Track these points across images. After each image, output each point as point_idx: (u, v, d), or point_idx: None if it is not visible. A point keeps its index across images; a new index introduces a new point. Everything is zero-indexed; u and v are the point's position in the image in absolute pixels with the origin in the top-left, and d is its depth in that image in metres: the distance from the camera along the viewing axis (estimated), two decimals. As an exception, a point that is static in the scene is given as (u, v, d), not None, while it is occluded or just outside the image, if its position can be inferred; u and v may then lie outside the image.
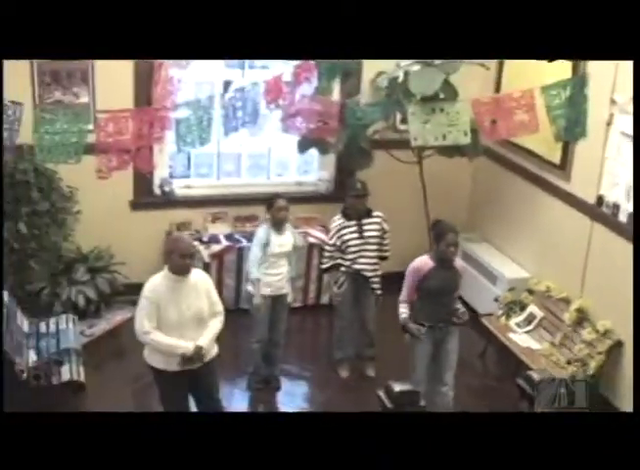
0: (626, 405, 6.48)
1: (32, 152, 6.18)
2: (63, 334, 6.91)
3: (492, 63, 8.00)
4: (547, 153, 7.57)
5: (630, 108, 6.21)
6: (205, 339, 5.57)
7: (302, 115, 6.98)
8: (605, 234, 6.84)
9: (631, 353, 6.43)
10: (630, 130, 6.32)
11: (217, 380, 5.92)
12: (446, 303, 6.18)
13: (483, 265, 8.28)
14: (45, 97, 7.45)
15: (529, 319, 7.47)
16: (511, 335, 7.38)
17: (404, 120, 7.09)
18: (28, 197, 7.20)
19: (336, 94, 8.08)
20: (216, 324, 5.68)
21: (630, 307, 5.63)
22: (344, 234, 6.98)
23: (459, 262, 6.36)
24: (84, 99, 7.54)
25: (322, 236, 8.11)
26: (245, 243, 8.04)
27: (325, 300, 8.43)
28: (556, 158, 7.48)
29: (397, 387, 5.29)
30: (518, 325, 7.47)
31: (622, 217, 6.63)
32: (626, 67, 5.98)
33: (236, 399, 6.94)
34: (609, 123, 6.70)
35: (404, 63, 7.27)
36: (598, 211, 6.91)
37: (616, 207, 6.69)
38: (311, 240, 8.27)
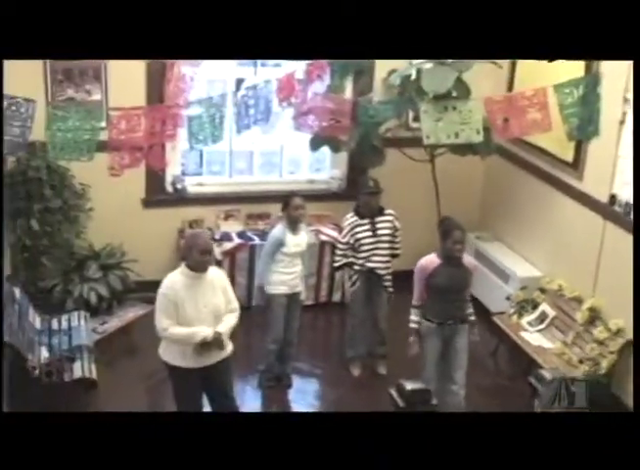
0: (638, 405, 6.46)
1: (45, 149, 6.22)
2: (75, 331, 6.92)
3: (505, 61, 7.96)
4: (560, 151, 7.53)
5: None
6: (224, 327, 5.56)
7: (315, 112, 6.95)
8: (617, 233, 6.80)
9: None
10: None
11: (232, 378, 5.91)
12: (455, 300, 6.18)
13: (495, 264, 8.25)
14: (58, 94, 7.46)
15: (541, 318, 7.45)
16: (523, 334, 7.36)
17: (417, 118, 7.11)
18: (41, 194, 7.23)
19: (348, 92, 8.05)
20: (232, 318, 5.67)
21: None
22: (358, 232, 6.98)
23: (469, 260, 6.35)
24: (97, 96, 7.55)
25: (334, 234, 8.10)
26: (257, 241, 8.05)
27: (337, 297, 8.44)
28: (569, 156, 7.45)
29: (409, 385, 5.31)
30: (530, 324, 7.45)
31: (635, 216, 6.61)
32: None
33: (247, 397, 6.93)
34: (622, 122, 6.66)
35: (417, 61, 7.25)
36: (610, 210, 6.88)
37: (628, 205, 6.65)
38: (323, 238, 8.26)
